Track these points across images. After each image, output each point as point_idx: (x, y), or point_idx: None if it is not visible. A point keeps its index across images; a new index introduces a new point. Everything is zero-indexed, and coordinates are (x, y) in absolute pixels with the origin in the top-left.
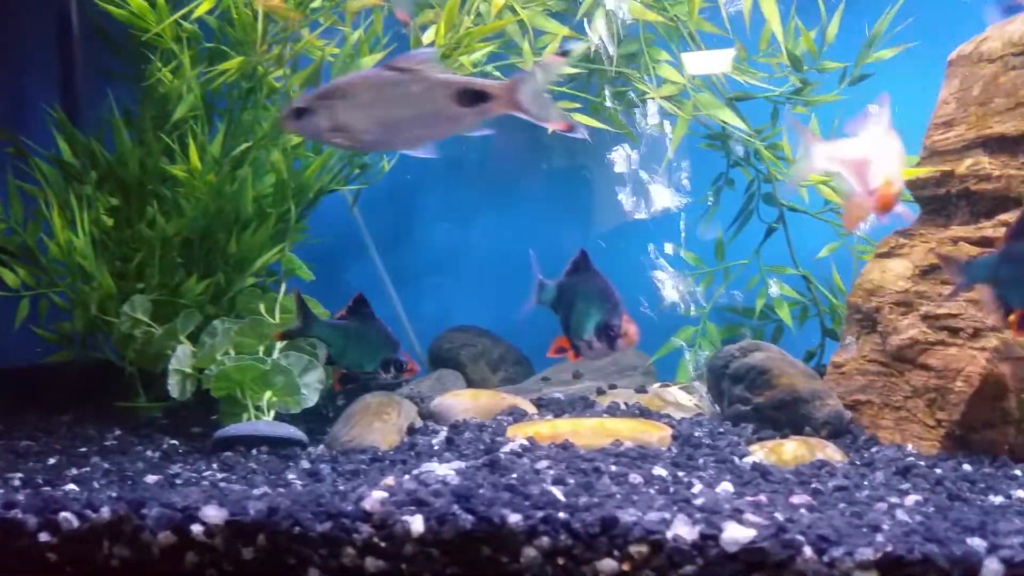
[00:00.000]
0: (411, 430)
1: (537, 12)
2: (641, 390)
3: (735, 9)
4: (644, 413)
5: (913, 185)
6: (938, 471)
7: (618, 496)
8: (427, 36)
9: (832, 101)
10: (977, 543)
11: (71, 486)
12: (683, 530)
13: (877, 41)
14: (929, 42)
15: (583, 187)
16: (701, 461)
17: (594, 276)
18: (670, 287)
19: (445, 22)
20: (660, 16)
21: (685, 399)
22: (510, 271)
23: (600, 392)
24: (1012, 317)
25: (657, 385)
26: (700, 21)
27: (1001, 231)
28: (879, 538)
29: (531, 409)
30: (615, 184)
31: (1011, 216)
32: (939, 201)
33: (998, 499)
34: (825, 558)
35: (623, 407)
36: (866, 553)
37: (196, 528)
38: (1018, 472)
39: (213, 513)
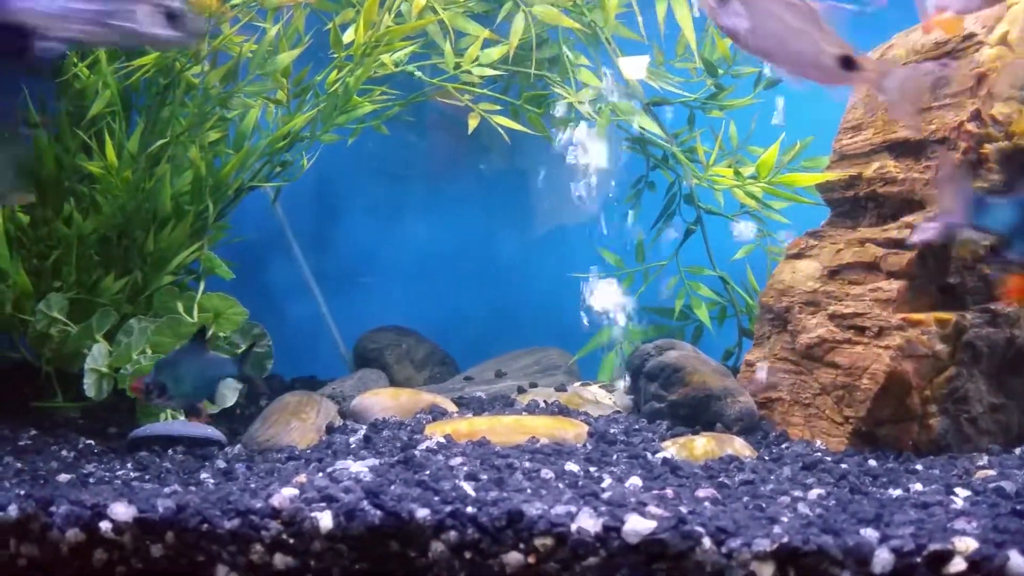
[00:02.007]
0: (330, 429)
1: (458, 14)
2: (561, 388)
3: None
4: (563, 411)
5: (823, 188)
6: (843, 466)
7: (528, 491)
8: (348, 34)
9: (747, 105)
10: (870, 534)
11: None
12: (587, 523)
13: None
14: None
15: (515, 189)
16: (614, 457)
17: None
18: (597, 293)
19: (364, 20)
20: (575, 23)
21: (604, 397)
22: (437, 271)
23: (521, 391)
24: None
25: (578, 384)
26: (617, 26)
27: (906, 232)
28: (777, 530)
29: (451, 407)
30: (546, 187)
31: (915, 218)
32: (848, 203)
33: (897, 492)
34: (723, 549)
35: (542, 405)
36: (763, 544)
37: (104, 526)
38: (919, 467)
39: (122, 511)
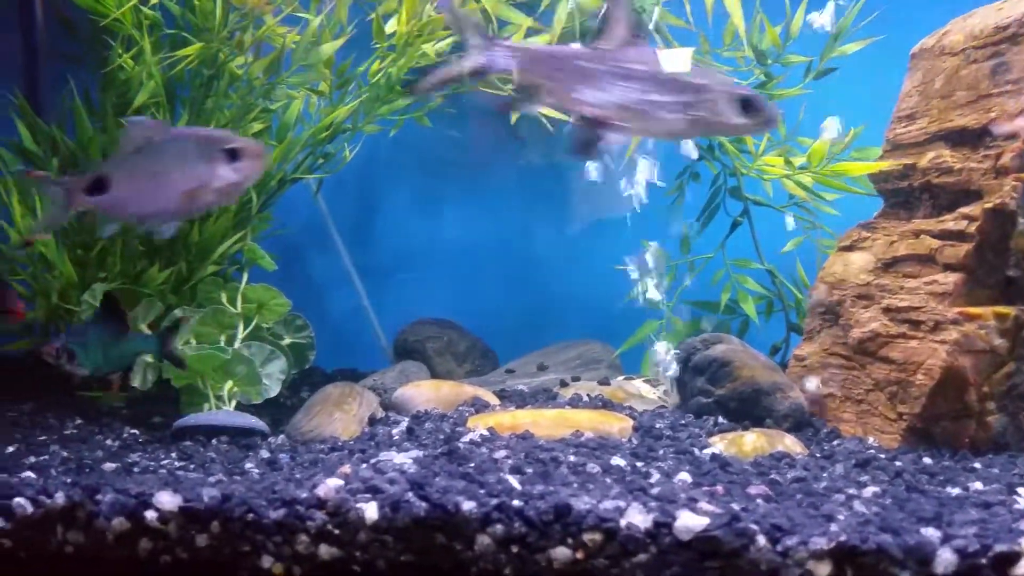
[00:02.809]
0: (372, 420)
1: (501, 2)
2: (604, 382)
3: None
4: (607, 405)
5: (876, 179)
6: (898, 463)
7: (575, 485)
8: (390, 25)
9: (796, 95)
10: (931, 533)
11: (28, 474)
12: (637, 518)
13: (842, 35)
14: (896, 35)
15: (557, 180)
16: (661, 452)
17: None
18: (645, 281)
19: (407, 9)
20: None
21: (648, 391)
22: (479, 264)
23: (563, 384)
24: None
25: (622, 378)
26: (665, 14)
27: (963, 224)
28: (833, 528)
29: (494, 400)
30: (591, 180)
31: (972, 209)
32: (902, 194)
33: (955, 491)
34: (779, 547)
35: (585, 399)
36: (820, 542)
37: (150, 514)
38: (977, 465)
39: (167, 499)
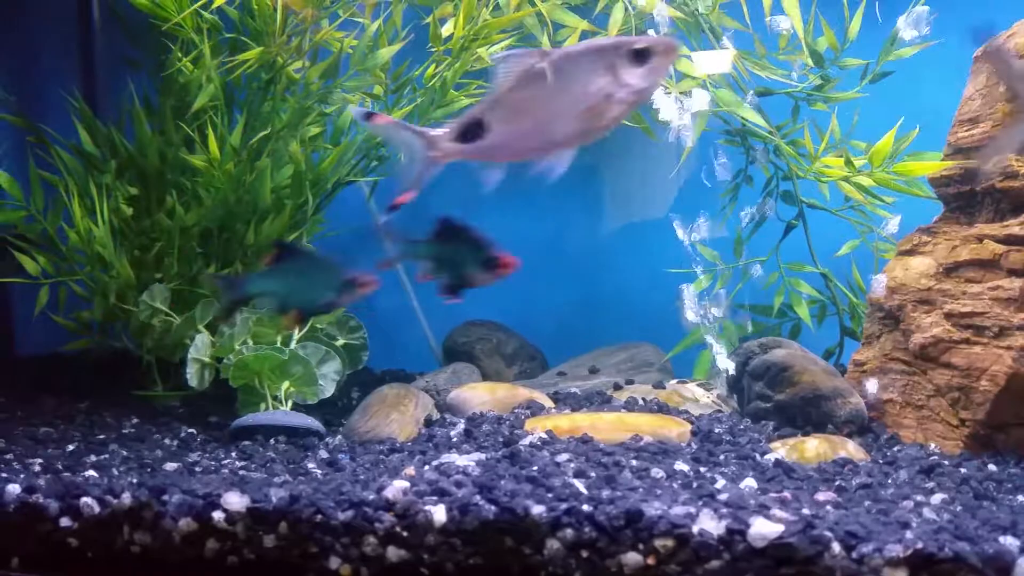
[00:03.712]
0: (428, 422)
1: (556, 5)
2: (659, 386)
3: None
4: (662, 409)
5: (936, 182)
6: (963, 470)
7: (640, 490)
8: (446, 28)
9: (853, 99)
10: (1010, 542)
11: (91, 472)
12: (709, 524)
13: (899, 38)
14: (956, 37)
15: (607, 181)
16: (722, 457)
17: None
18: (689, 307)
19: (464, 13)
20: (679, 12)
21: (703, 396)
22: (527, 265)
23: (617, 387)
24: None
25: (675, 381)
26: (721, 16)
27: None
28: (908, 535)
29: (548, 403)
30: (639, 180)
31: None
32: (963, 198)
33: None
34: (854, 554)
35: (641, 402)
36: (895, 550)
37: (217, 515)
38: None
39: (235, 500)
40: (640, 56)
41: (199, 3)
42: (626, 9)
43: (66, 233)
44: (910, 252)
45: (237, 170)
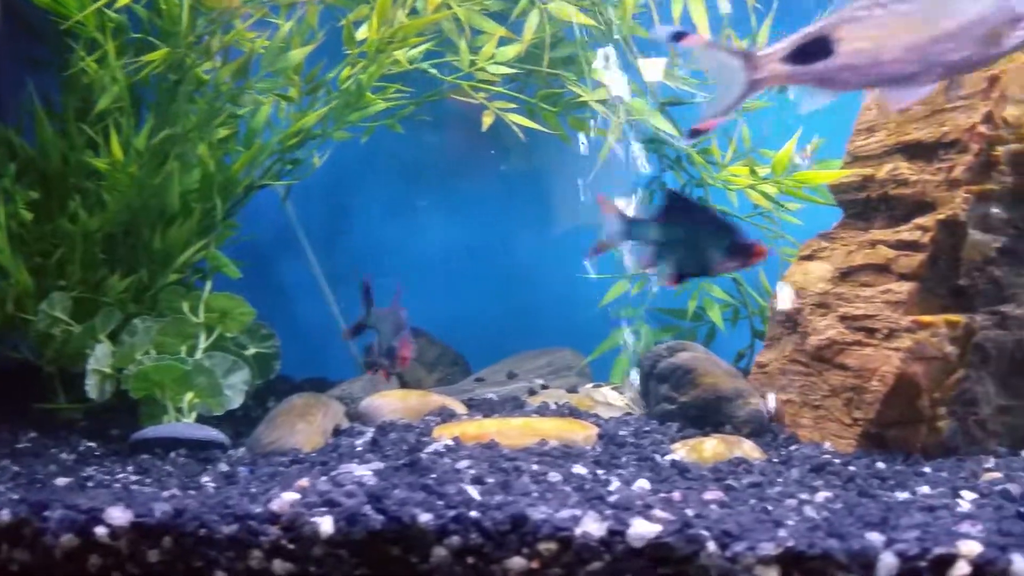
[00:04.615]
0: (337, 431)
1: (474, 10)
2: (572, 390)
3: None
4: (573, 413)
5: (836, 189)
6: (852, 468)
7: (534, 494)
8: (361, 31)
9: (761, 108)
10: (875, 538)
11: None
12: (592, 526)
13: None
14: None
15: (529, 189)
16: (623, 459)
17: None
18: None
19: (378, 16)
20: (592, 20)
21: (616, 399)
22: (450, 272)
23: (532, 392)
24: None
25: (590, 385)
26: (634, 26)
27: (917, 234)
28: (782, 533)
29: (461, 409)
30: (561, 188)
31: (926, 220)
32: (860, 205)
33: (904, 495)
34: (728, 553)
35: (553, 407)
36: (767, 548)
37: (100, 530)
38: (927, 469)
39: (118, 515)
40: None
41: (101, 2)
42: (542, 16)
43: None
44: (809, 257)
45: (143, 173)
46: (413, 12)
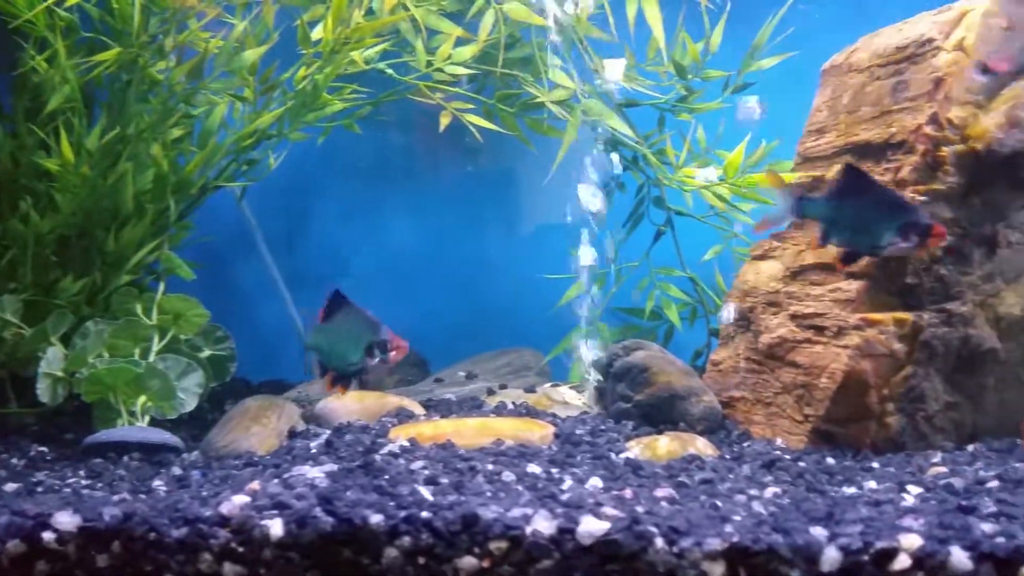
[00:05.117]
0: (292, 434)
1: (430, 11)
2: (530, 390)
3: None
4: (531, 412)
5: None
6: (801, 464)
7: (488, 494)
8: (316, 31)
9: (715, 109)
10: (819, 532)
11: None
12: (542, 525)
13: (759, 51)
14: (812, 52)
15: (488, 190)
16: (578, 458)
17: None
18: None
19: (334, 16)
20: (547, 22)
21: (574, 398)
22: (411, 272)
23: (490, 392)
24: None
25: (548, 385)
26: (589, 28)
27: None
28: (728, 529)
29: (419, 410)
30: (521, 189)
31: None
32: None
33: (851, 490)
34: (675, 548)
35: (510, 407)
36: (713, 543)
37: (48, 536)
38: (875, 464)
39: (66, 520)
40: None
41: (50, 0)
42: (498, 17)
43: None
44: (762, 257)
45: (95, 174)
46: (369, 12)
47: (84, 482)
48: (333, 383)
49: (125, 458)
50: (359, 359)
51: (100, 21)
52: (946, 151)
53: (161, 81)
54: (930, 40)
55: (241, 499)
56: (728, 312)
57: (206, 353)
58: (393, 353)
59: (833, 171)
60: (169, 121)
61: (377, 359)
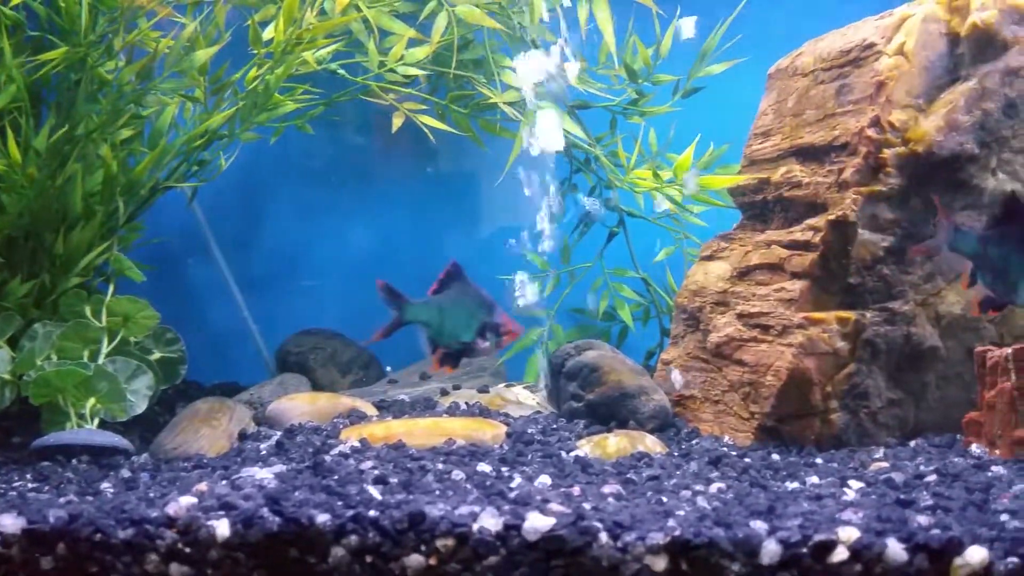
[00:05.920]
0: (243, 436)
1: (383, 12)
2: (484, 390)
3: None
4: (484, 412)
5: (735, 192)
6: (747, 460)
7: (436, 492)
8: (268, 32)
9: (666, 112)
10: (760, 526)
11: None
12: (489, 522)
13: (708, 56)
14: (761, 55)
15: (444, 190)
16: (529, 456)
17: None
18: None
19: (285, 16)
20: (500, 24)
21: (527, 398)
22: (366, 273)
23: (444, 393)
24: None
25: (502, 385)
26: (542, 30)
27: (809, 235)
28: (671, 523)
29: (371, 411)
30: (475, 190)
31: (817, 221)
32: (757, 207)
33: (794, 485)
34: (619, 543)
35: (464, 407)
36: (656, 537)
37: None
38: (819, 460)
39: (9, 522)
40: None
41: None
42: (450, 19)
43: None
44: (710, 257)
45: (43, 175)
46: (322, 13)
47: (31, 485)
48: (441, 362)
49: (73, 461)
50: (471, 339)
51: (47, 19)
52: (888, 153)
53: (110, 81)
54: (872, 44)
55: (188, 500)
56: (676, 377)
57: (156, 355)
58: (505, 338)
59: (778, 173)
60: (119, 121)
61: (487, 343)
